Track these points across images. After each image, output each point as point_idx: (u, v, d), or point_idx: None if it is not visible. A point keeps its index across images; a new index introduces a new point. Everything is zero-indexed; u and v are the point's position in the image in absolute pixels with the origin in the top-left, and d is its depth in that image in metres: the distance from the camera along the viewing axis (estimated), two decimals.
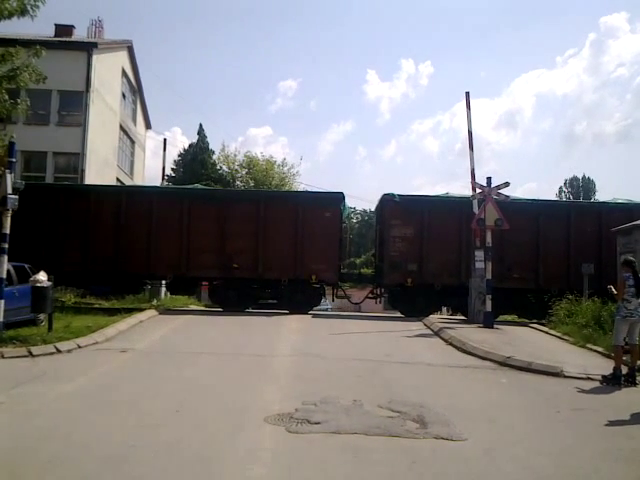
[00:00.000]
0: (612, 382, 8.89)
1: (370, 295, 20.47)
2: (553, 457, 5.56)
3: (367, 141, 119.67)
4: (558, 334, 13.53)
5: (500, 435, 6.20)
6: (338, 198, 19.50)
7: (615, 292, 9.68)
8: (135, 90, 36.83)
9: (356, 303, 21.28)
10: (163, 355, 10.68)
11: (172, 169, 51.21)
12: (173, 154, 52.79)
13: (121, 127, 33.54)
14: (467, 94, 17.09)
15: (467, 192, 17.76)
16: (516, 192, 43.19)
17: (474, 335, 12.93)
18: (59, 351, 10.26)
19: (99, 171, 28.96)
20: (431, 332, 14.41)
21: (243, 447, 5.45)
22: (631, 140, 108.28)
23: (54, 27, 31.01)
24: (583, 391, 8.52)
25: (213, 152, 49.61)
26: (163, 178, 34.39)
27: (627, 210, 18.17)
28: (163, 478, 4.75)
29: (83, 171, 27.69)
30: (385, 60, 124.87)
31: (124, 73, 34.04)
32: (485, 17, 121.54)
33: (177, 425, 6.14)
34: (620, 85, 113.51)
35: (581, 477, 5.17)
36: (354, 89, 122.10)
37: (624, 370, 9.06)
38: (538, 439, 6.14)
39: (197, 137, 52.02)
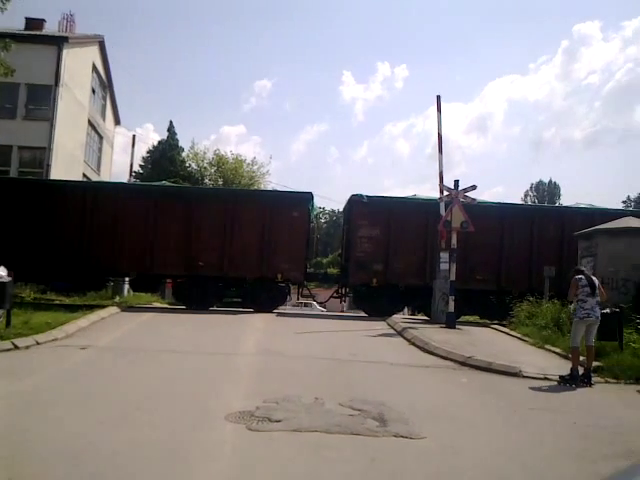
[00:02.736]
0: (569, 382, 9.09)
1: (335, 295, 20.53)
2: (510, 455, 5.66)
3: (340, 142, 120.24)
4: (518, 335, 13.72)
5: (459, 434, 6.28)
6: (307, 198, 19.50)
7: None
8: (105, 85, 36.29)
9: (321, 302, 21.32)
10: (124, 352, 10.54)
11: (140, 166, 50.69)
12: (145, 150, 52.21)
13: (89, 122, 33.04)
14: (438, 97, 17.18)
15: (435, 194, 17.85)
16: (484, 195, 43.90)
17: (436, 335, 13.06)
18: (17, 347, 10.02)
19: (65, 166, 28.42)
20: (394, 332, 14.51)
21: (203, 445, 5.42)
22: (598, 147, 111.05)
23: (24, 20, 30.53)
24: (540, 391, 8.69)
25: (182, 149, 49.37)
26: (131, 174, 34.00)
27: (589, 215, 18.51)
28: (122, 475, 4.69)
29: (49, 166, 27.16)
30: (361, 62, 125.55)
31: (94, 68, 33.54)
32: (461, 22, 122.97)
33: (137, 423, 6.08)
34: (590, 92, 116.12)
35: (536, 475, 5.29)
36: (329, 90, 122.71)
37: (580, 371, 9.27)
38: (496, 438, 6.25)
39: (167, 134, 51.74)
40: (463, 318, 17.89)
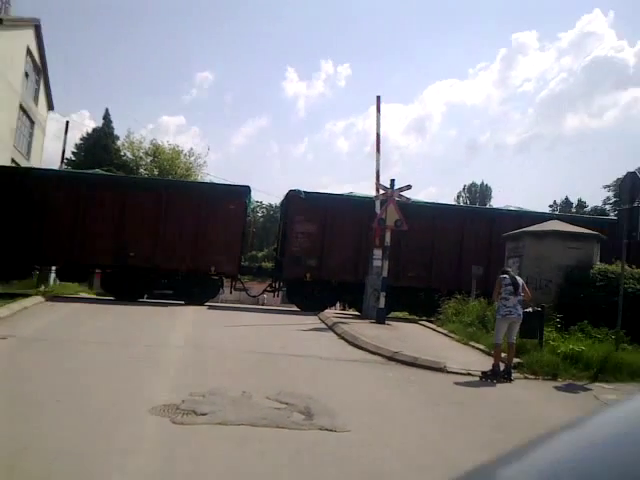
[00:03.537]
0: (490, 378, 9.39)
1: (268, 288, 20.54)
2: (430, 447, 5.82)
3: (280, 137, 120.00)
4: (445, 331, 14.04)
5: (382, 427, 6.40)
6: (244, 191, 19.41)
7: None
8: (40, 70, 34.83)
9: (254, 296, 21.31)
10: (47, 343, 10.22)
11: (73, 153, 49.06)
12: (78, 137, 50.51)
13: (21, 107, 31.65)
14: (378, 98, 17.34)
15: (372, 192, 18.04)
16: (418, 195, 44.56)
17: (366, 330, 13.23)
18: None
19: None
20: (325, 326, 14.61)
21: (124, 438, 5.32)
22: (528, 152, 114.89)
23: None
24: (463, 386, 8.93)
25: (118, 138, 48.17)
26: (62, 161, 32.92)
27: (517, 217, 19.16)
28: (36, 471, 4.55)
29: None
30: (305, 59, 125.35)
31: (29, 52, 32.12)
32: (405, 24, 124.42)
33: (57, 415, 5.90)
34: (524, 100, 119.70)
35: (454, 467, 5.44)
36: (273, 85, 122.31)
37: (502, 367, 9.60)
38: (417, 430, 6.40)
39: (102, 121, 50.43)
40: (393, 314, 18.17)
